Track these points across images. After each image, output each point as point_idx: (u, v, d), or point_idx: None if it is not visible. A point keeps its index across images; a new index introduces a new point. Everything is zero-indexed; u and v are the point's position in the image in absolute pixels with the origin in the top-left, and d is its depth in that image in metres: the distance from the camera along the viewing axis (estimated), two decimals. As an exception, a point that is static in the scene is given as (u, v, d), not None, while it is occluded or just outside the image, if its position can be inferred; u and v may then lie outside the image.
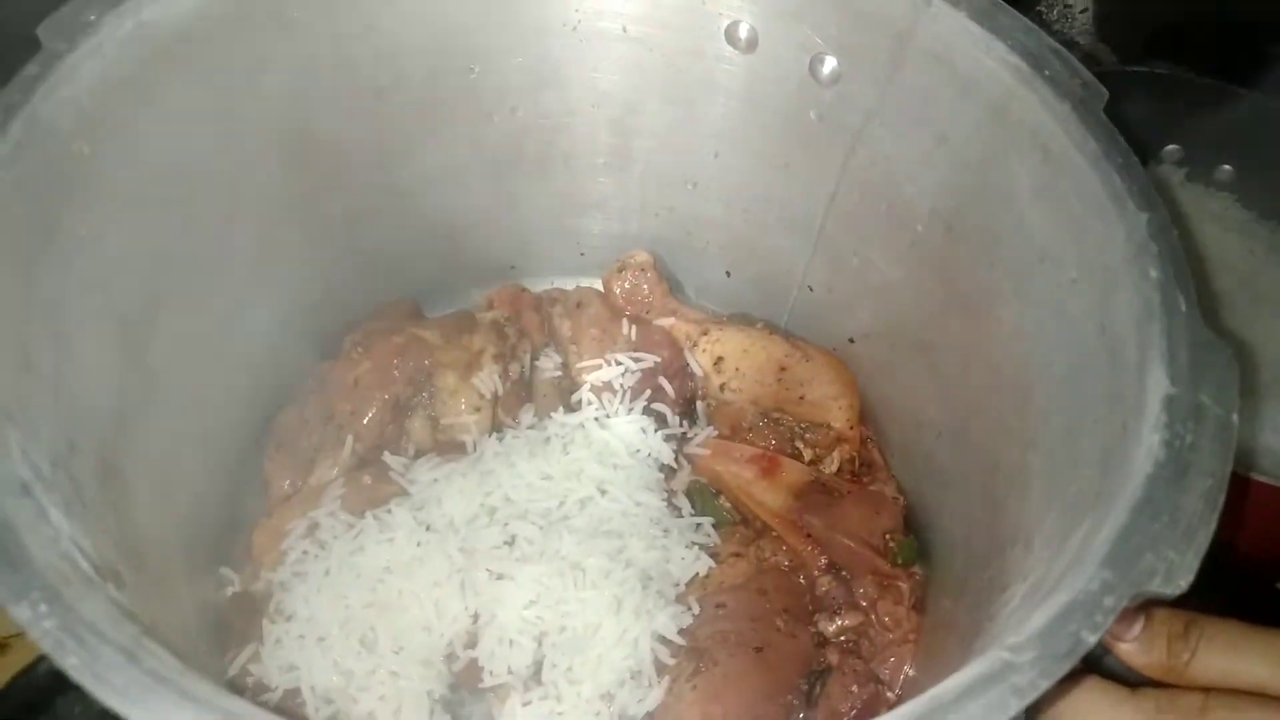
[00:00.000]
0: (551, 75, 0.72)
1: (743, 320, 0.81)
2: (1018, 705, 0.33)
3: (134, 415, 0.56)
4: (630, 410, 0.74)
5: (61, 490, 0.43)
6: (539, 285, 0.83)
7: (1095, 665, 0.44)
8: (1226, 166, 0.93)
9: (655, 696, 0.60)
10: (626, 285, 0.80)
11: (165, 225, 0.59)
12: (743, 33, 0.67)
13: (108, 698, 0.31)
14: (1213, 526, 0.37)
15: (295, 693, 0.60)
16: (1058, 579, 0.38)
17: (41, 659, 0.41)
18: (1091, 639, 0.35)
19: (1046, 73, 0.54)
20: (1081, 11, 1.14)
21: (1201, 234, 0.90)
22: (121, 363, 0.55)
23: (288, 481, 0.70)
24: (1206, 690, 0.43)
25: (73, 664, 0.32)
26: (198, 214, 0.61)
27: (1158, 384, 0.42)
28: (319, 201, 0.71)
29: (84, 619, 0.33)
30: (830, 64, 0.65)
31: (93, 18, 0.52)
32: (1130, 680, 0.44)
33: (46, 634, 0.32)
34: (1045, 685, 0.33)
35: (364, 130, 0.70)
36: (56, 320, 0.48)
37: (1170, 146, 0.93)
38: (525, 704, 0.61)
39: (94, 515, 0.46)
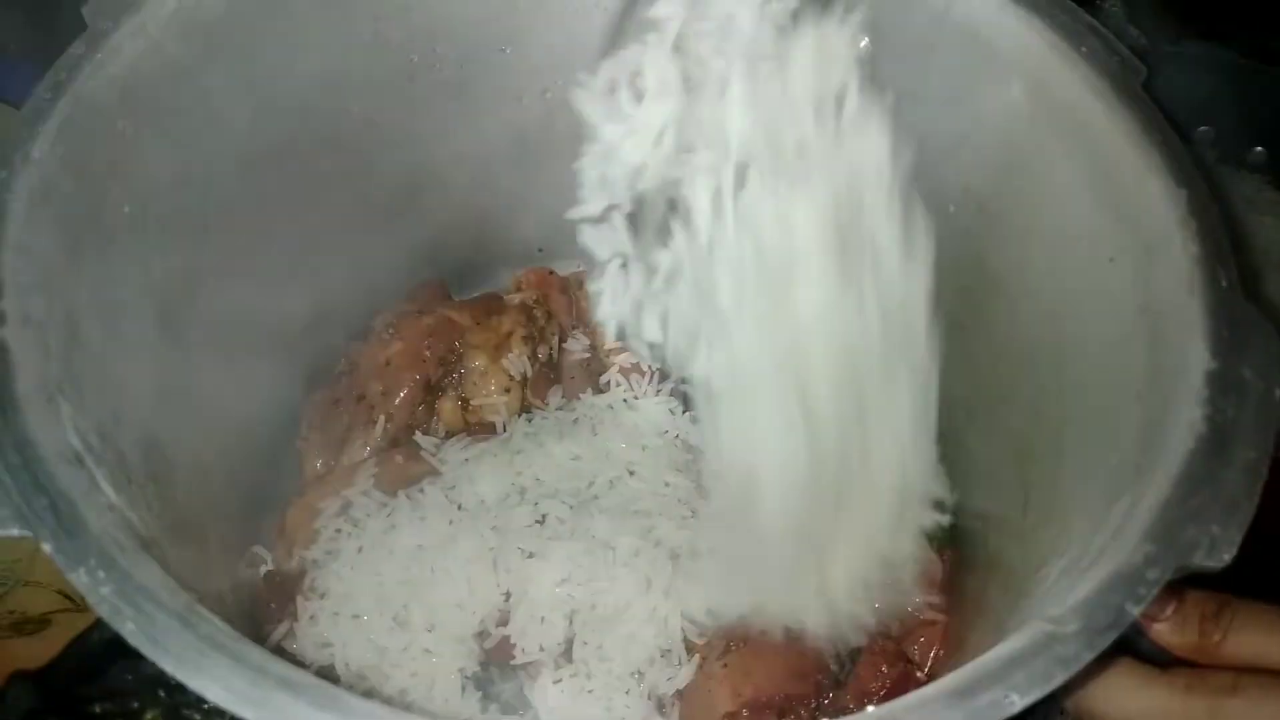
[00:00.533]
0: (582, 56, 0.72)
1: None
2: (1063, 676, 0.33)
3: (172, 392, 0.56)
4: (659, 391, 0.74)
5: (109, 464, 0.43)
6: (568, 267, 0.83)
7: (1130, 647, 0.44)
8: (1259, 149, 0.92)
9: (685, 674, 0.61)
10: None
11: (204, 205, 0.59)
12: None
13: (164, 662, 0.32)
14: (1256, 500, 0.37)
15: (329, 669, 0.60)
16: (1097, 554, 0.38)
17: (92, 629, 0.41)
18: (1135, 611, 0.35)
19: (1084, 49, 0.54)
20: (1113, -12, 1.13)
21: (1235, 216, 0.89)
22: (161, 339, 0.55)
23: (320, 461, 0.71)
24: (1238, 670, 0.43)
25: (130, 629, 0.32)
26: (235, 194, 0.62)
27: (1199, 359, 0.41)
28: (352, 183, 0.71)
29: (140, 585, 0.33)
30: (863, 42, 0.65)
31: (136, -3, 0.53)
32: (1162, 662, 0.44)
33: (104, 600, 0.33)
34: (1089, 656, 0.33)
35: (397, 111, 0.71)
36: (101, 296, 0.49)
37: (1202, 128, 0.92)
38: (556, 681, 0.61)
39: (138, 489, 0.47)
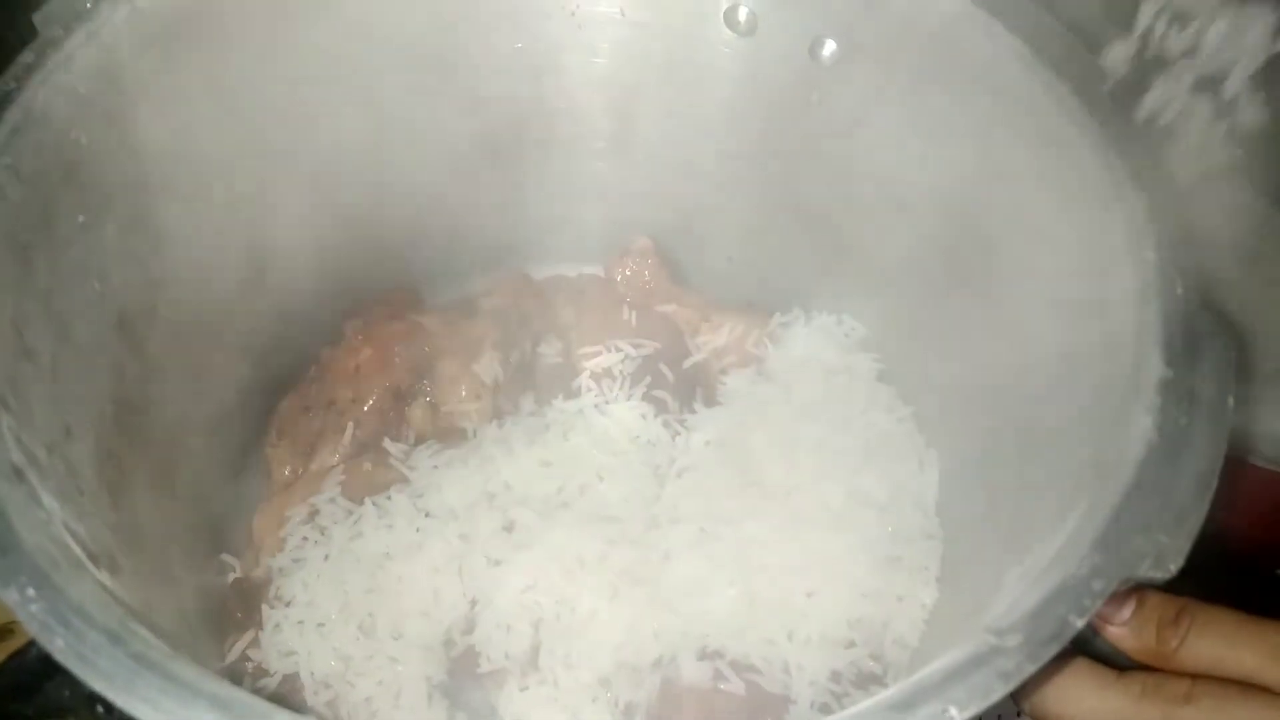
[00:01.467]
0: (550, 61, 0.72)
1: (745, 306, 0.80)
2: (1003, 689, 0.33)
3: (133, 403, 0.56)
4: (630, 397, 0.74)
5: (56, 476, 0.43)
6: (541, 272, 0.82)
7: (1084, 647, 0.44)
8: (1239, 151, 0.91)
9: (653, 682, 0.60)
10: (628, 272, 0.79)
11: (164, 213, 0.59)
12: (742, 16, 0.66)
13: (93, 680, 0.31)
14: (1204, 510, 0.37)
15: (294, 678, 0.60)
16: (1049, 561, 0.38)
17: (30, 645, 0.41)
18: (1079, 623, 0.34)
19: (1048, 55, 0.54)
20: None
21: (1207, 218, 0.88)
22: (120, 350, 0.55)
23: (288, 468, 0.70)
24: (1194, 677, 0.42)
25: (59, 646, 0.32)
26: (196, 202, 0.61)
27: (1153, 367, 0.41)
28: (319, 188, 0.71)
29: (71, 602, 0.33)
30: (830, 47, 0.65)
31: (89, 5, 0.52)
32: (1120, 663, 0.44)
33: (33, 617, 0.33)
34: (1031, 669, 0.33)
35: (363, 117, 0.70)
36: (53, 307, 0.49)
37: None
38: (523, 689, 0.61)
39: (90, 501, 0.47)
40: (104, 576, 0.40)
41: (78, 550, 0.39)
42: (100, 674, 0.31)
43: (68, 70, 0.50)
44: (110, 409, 0.53)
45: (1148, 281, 0.44)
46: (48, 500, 0.39)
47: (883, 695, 0.32)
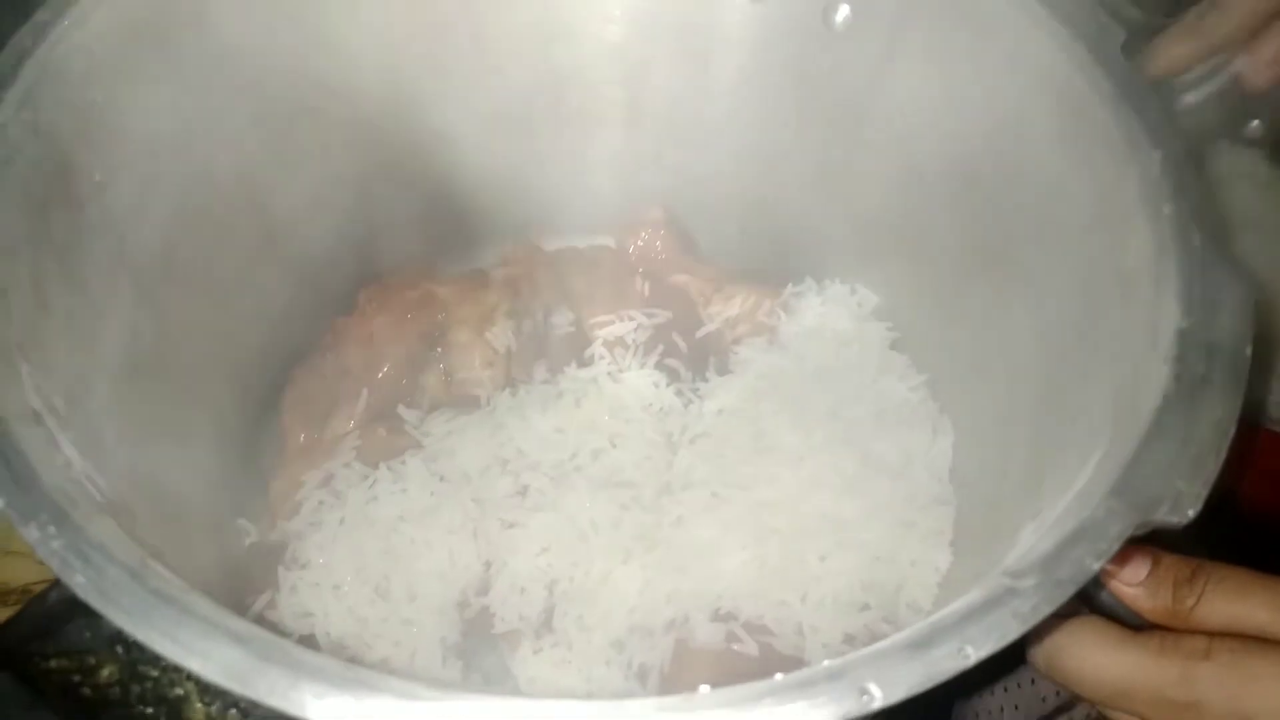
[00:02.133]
0: (561, 29, 0.72)
1: (757, 276, 0.80)
2: (1019, 630, 0.33)
3: (149, 364, 0.56)
4: (643, 365, 0.74)
5: (75, 427, 0.43)
6: (554, 242, 0.82)
7: (1099, 609, 0.44)
8: (1255, 122, 0.91)
9: (666, 645, 0.60)
10: (640, 242, 0.79)
11: (179, 175, 0.59)
12: (755, -20, 0.66)
13: (114, 615, 0.32)
14: (1223, 456, 0.37)
15: (310, 639, 0.60)
16: (1065, 508, 0.38)
17: (50, 588, 0.41)
18: (1096, 566, 0.34)
19: (1061, 12, 0.53)
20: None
21: (1229, 191, 0.88)
22: (135, 309, 0.55)
23: (304, 434, 0.71)
24: (1211, 635, 0.42)
25: (79, 582, 0.32)
26: (211, 166, 0.61)
27: (1170, 318, 0.41)
28: (333, 157, 0.71)
29: (91, 540, 0.33)
30: (843, 11, 0.65)
31: (103, -35, 0.52)
32: (1132, 624, 0.44)
33: (54, 554, 0.33)
34: (1047, 610, 0.33)
35: (377, 85, 0.70)
36: (70, 263, 0.49)
37: (1197, 101, 0.91)
38: (536, 651, 0.61)
39: (109, 455, 0.47)
40: (124, 526, 0.40)
41: (98, 497, 0.39)
42: (120, 609, 0.32)
43: (83, 28, 0.50)
44: (125, 367, 0.53)
45: (1164, 234, 0.44)
46: (67, 448, 0.40)
47: (900, 635, 0.33)
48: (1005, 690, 0.68)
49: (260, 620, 0.61)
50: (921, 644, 0.32)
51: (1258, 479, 0.59)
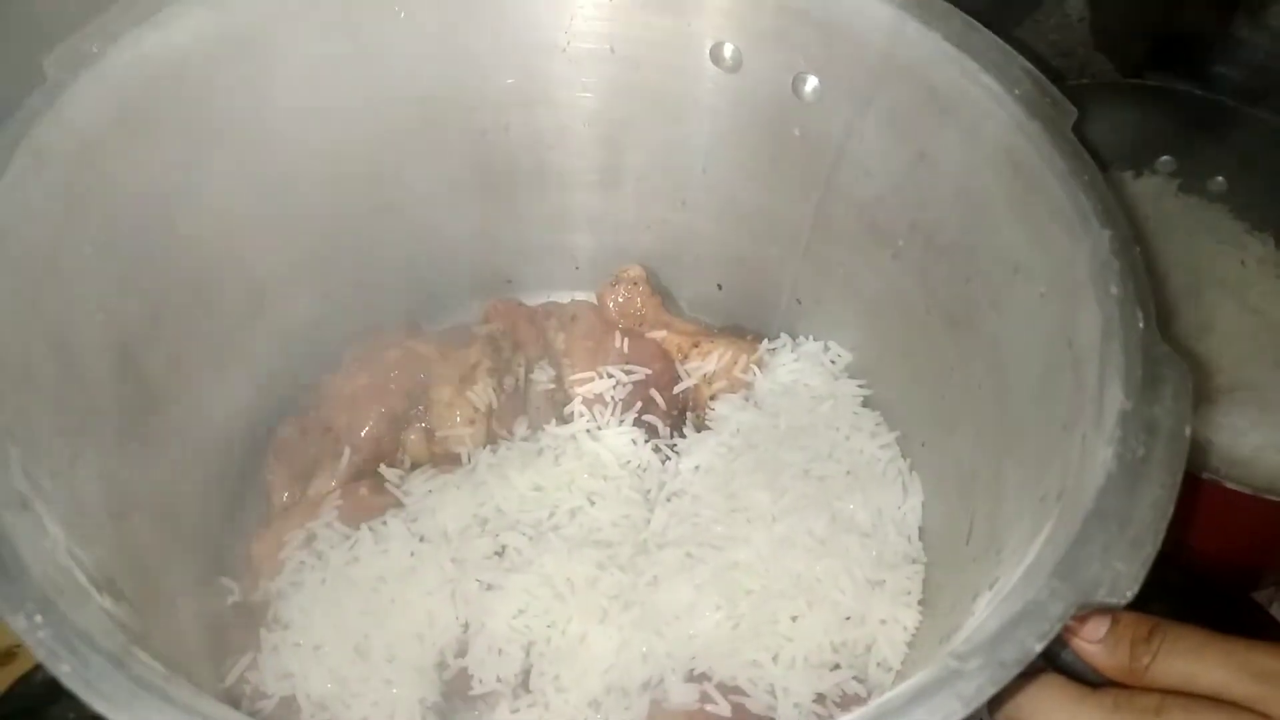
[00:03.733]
0: (542, 94, 0.74)
1: (734, 332, 0.82)
2: (962, 712, 0.34)
3: (134, 429, 0.58)
4: (621, 422, 0.76)
5: (61, 503, 0.45)
6: (535, 299, 0.84)
7: (1058, 664, 0.45)
8: (1220, 178, 0.94)
9: (641, 705, 0.62)
10: (620, 299, 0.81)
11: (168, 248, 0.61)
12: (727, 53, 0.68)
13: (97, 703, 0.33)
14: (1161, 537, 0.38)
15: (291, 700, 0.61)
16: (1014, 585, 0.39)
17: (38, 667, 0.42)
18: (1038, 647, 0.36)
19: (1017, 92, 0.55)
20: (1079, 20, 1.15)
21: (1194, 245, 0.90)
22: (122, 378, 0.57)
23: (287, 493, 0.72)
24: (1164, 693, 0.44)
25: (65, 671, 0.33)
26: (199, 237, 0.63)
27: (1114, 399, 0.43)
28: (317, 220, 0.73)
29: (77, 628, 0.35)
30: (812, 82, 0.67)
31: (95, 50, 0.54)
32: (1093, 681, 0.46)
33: (41, 643, 0.34)
34: (991, 691, 0.34)
35: (361, 148, 0.72)
36: (59, 338, 0.50)
37: (1164, 158, 0.94)
38: (514, 711, 0.62)
39: (94, 526, 0.48)
40: (107, 602, 0.41)
41: (81, 577, 0.40)
42: (103, 697, 0.33)
43: (75, 111, 0.51)
44: (113, 437, 0.55)
45: (1111, 314, 0.46)
46: (53, 527, 0.41)
47: (847, 719, 0.34)
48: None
49: (241, 681, 0.62)
50: (867, 729, 0.33)
51: (1204, 530, 0.61)
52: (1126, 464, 0.40)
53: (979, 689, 0.34)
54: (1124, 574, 0.37)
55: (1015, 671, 0.35)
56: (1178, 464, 0.40)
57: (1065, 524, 0.41)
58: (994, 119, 0.57)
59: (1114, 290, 0.47)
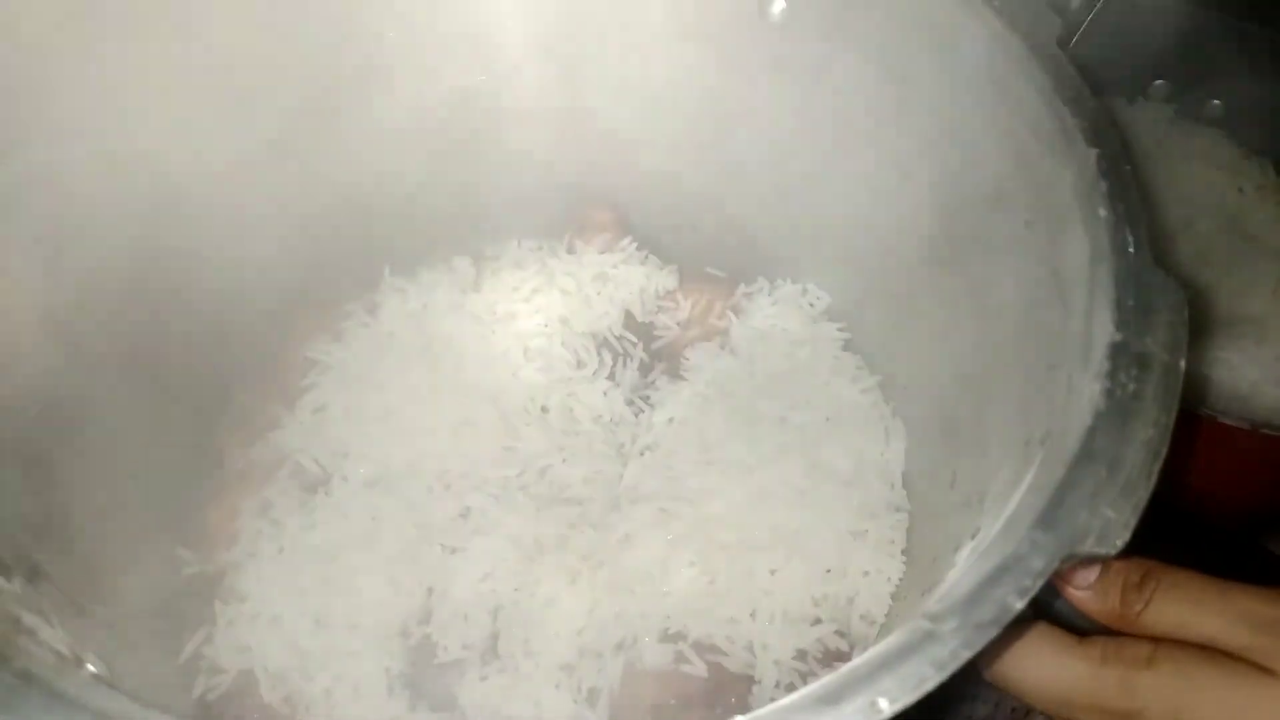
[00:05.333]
0: (495, 29, 0.70)
1: (708, 278, 0.78)
2: (937, 678, 0.31)
3: (61, 406, 0.54)
4: (594, 375, 0.72)
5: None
6: (498, 248, 0.80)
7: (1046, 611, 0.42)
8: (1216, 102, 0.89)
9: (615, 667, 0.59)
10: (589, 244, 0.77)
11: (87, 201, 0.57)
12: (687, -24, 0.64)
13: (-27, 702, 0.30)
14: (1154, 480, 0.35)
15: (249, 674, 0.59)
16: (993, 538, 0.36)
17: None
18: (1019, 605, 0.33)
19: (996, 3, 0.51)
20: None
21: (1189, 172, 0.86)
22: (48, 350, 0.53)
23: (241, 459, 0.69)
24: (1156, 641, 0.41)
25: (-64, 667, 0.30)
26: (121, 190, 0.59)
27: (1103, 330, 0.39)
28: (263, 170, 0.68)
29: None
30: (779, 4, 0.62)
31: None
32: (1082, 627, 0.43)
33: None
34: (967, 656, 0.31)
35: (307, 93, 0.68)
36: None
37: (1158, 82, 0.90)
38: (483, 678, 0.60)
39: (6, 504, 0.45)
40: (14, 585, 0.38)
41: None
42: (-20, 694, 0.30)
43: None
44: (36, 410, 0.51)
45: (1099, 238, 0.42)
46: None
47: (809, 688, 0.31)
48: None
49: (197, 657, 0.60)
50: (830, 699, 0.30)
51: (1204, 470, 0.58)
52: (1116, 400, 0.37)
53: (953, 652, 0.31)
54: (1114, 521, 0.34)
55: (994, 633, 0.32)
56: (1172, 399, 0.37)
57: (1050, 470, 0.37)
58: (970, 34, 0.53)
59: (1102, 212, 0.43)
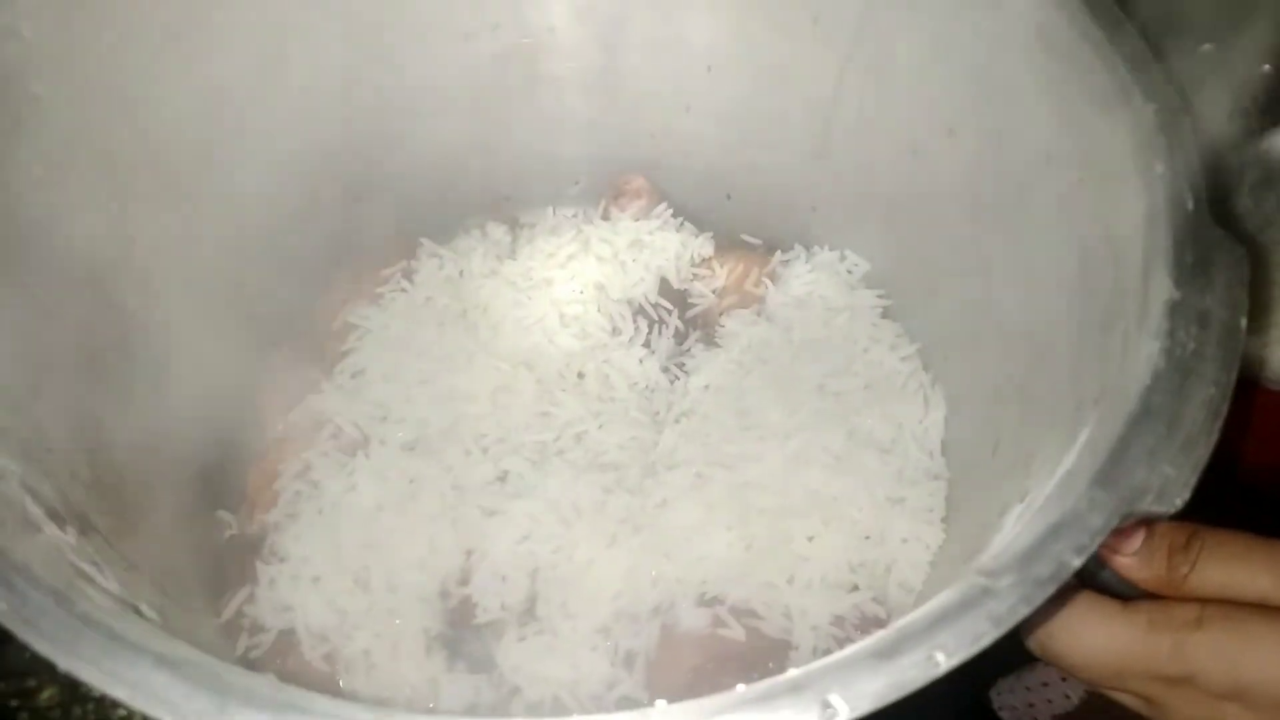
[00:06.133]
0: (531, -8, 0.69)
1: (744, 245, 0.78)
2: (994, 634, 0.31)
3: (106, 359, 0.54)
4: (629, 343, 0.72)
5: (18, 435, 0.42)
6: (533, 214, 0.80)
7: (1089, 580, 0.42)
8: (1266, 67, 0.87)
9: (651, 630, 0.59)
10: (624, 211, 0.77)
11: (129, 164, 0.57)
12: (728, -65, 0.63)
13: (37, 643, 0.30)
14: (1214, 438, 0.34)
15: (290, 633, 0.59)
16: (1047, 497, 0.36)
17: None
18: (1076, 562, 0.32)
19: (1049, -43, 0.50)
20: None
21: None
22: (90, 304, 0.53)
23: (281, 423, 0.69)
24: (1202, 602, 0.40)
25: (1, 609, 0.31)
26: (166, 149, 0.59)
27: (1160, 289, 0.38)
28: (297, 136, 0.68)
29: (15, 563, 0.32)
30: (824, -33, 0.61)
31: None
32: (1127, 595, 0.42)
33: (-26, 580, 0.32)
34: (1025, 612, 0.31)
35: (341, 56, 0.67)
36: (13, 261, 0.47)
37: (1205, 46, 0.88)
38: (520, 639, 0.60)
39: (61, 459, 0.45)
40: (68, 535, 0.39)
41: (35, 509, 0.37)
42: (43, 635, 0.30)
43: (10, 10, 0.47)
44: (83, 368, 0.52)
45: (1156, 197, 0.41)
46: (4, 461, 0.38)
47: (866, 642, 0.31)
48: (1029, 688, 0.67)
49: (239, 615, 0.60)
50: (888, 652, 0.30)
51: (1259, 442, 0.57)
52: (1175, 359, 0.36)
53: (1011, 608, 0.31)
54: (1173, 479, 0.33)
55: (1051, 589, 0.32)
56: (1232, 359, 0.36)
57: (1105, 429, 0.37)
58: (1021, -10, 0.51)
59: (1159, 169, 0.42)
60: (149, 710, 0.29)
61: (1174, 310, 0.38)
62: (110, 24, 0.53)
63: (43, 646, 0.30)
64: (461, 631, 0.63)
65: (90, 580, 0.33)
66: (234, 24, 0.60)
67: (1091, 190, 0.47)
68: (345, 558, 0.61)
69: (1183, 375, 0.36)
